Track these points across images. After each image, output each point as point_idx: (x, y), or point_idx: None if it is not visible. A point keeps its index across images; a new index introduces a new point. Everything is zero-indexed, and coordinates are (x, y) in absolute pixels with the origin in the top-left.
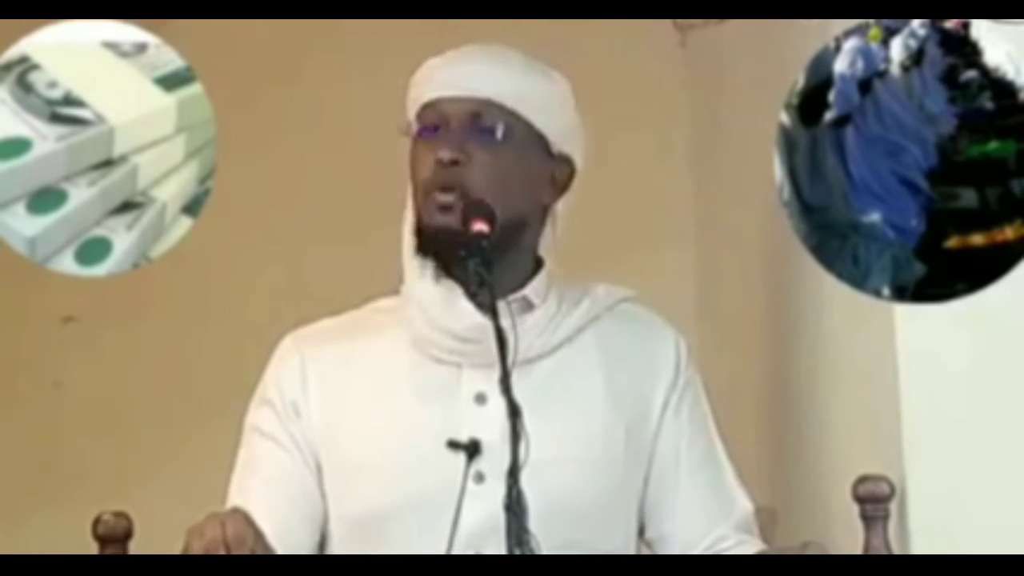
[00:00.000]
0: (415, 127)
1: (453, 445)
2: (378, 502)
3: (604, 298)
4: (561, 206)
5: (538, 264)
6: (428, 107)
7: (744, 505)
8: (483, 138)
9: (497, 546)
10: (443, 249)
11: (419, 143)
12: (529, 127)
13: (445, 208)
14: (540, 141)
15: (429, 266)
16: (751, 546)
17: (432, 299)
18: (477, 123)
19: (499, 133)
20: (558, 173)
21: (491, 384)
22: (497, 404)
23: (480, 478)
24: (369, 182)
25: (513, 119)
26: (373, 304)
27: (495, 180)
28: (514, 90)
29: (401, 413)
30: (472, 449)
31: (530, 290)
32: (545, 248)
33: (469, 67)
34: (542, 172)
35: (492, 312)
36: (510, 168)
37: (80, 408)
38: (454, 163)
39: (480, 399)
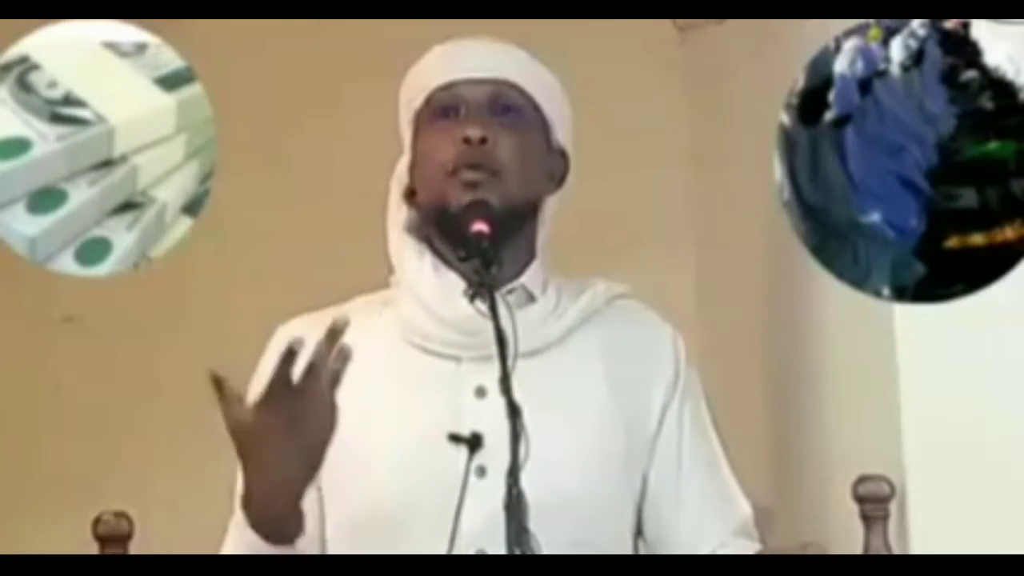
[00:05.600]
0: (424, 114)
1: (454, 438)
2: (379, 497)
3: (603, 292)
4: (555, 202)
5: (533, 258)
6: (442, 90)
7: (744, 509)
8: (505, 118)
9: (501, 540)
10: (469, 225)
11: (434, 126)
12: (539, 112)
13: (473, 185)
14: (545, 130)
15: (427, 256)
16: (751, 552)
17: (429, 288)
18: (497, 103)
19: (520, 113)
20: (555, 168)
21: (491, 377)
22: (498, 397)
23: (482, 472)
24: (370, 182)
25: (528, 102)
26: (354, 302)
27: (518, 160)
28: (528, 74)
29: (400, 407)
30: (474, 442)
31: (527, 278)
32: (540, 244)
33: (483, 50)
34: (545, 163)
35: (493, 313)
36: (528, 149)
37: (80, 408)
38: (483, 141)
39: (480, 392)
